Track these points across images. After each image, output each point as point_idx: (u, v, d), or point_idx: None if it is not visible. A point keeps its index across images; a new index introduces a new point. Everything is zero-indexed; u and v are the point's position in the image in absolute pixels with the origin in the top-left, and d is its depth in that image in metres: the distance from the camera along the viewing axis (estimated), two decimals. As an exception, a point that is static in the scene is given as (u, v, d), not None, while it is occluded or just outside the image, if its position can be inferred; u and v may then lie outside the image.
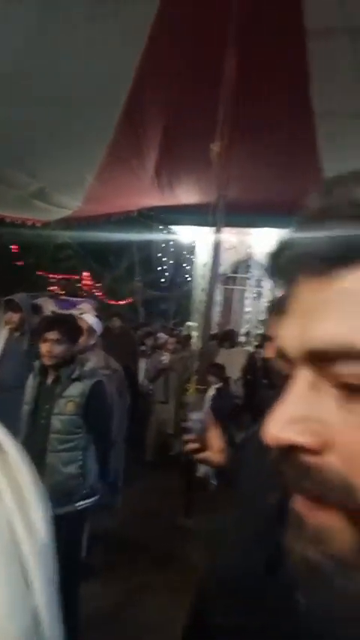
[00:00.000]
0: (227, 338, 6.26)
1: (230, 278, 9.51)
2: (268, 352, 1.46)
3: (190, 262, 10.06)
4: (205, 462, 1.54)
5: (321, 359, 0.28)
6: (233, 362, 5.61)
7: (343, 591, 0.26)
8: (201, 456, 1.54)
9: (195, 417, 1.56)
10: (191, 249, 9.97)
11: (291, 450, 0.28)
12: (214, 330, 6.81)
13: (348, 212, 0.28)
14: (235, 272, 9.50)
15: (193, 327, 8.90)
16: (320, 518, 0.28)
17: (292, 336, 0.30)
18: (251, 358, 5.91)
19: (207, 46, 3.79)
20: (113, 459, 3.04)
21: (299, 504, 0.29)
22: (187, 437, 1.55)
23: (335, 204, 0.28)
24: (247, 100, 3.95)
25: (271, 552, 1.22)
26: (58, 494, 2.41)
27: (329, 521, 0.27)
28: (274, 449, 0.29)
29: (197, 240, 9.40)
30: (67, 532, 2.41)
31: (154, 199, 6.13)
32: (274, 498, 1.23)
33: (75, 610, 2.48)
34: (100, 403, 2.62)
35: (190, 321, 9.68)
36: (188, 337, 7.58)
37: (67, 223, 6.28)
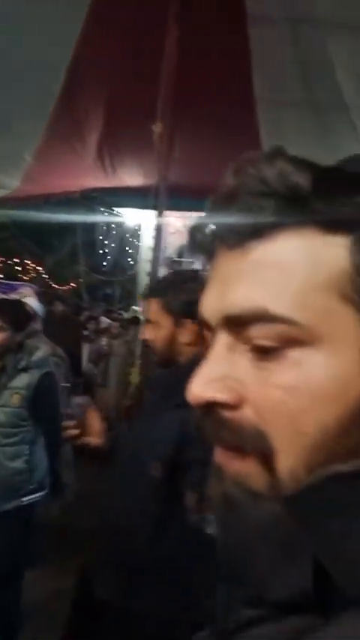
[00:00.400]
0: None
1: (176, 262, 9.53)
2: (148, 334, 1.46)
3: (135, 246, 9.98)
4: (84, 446, 1.55)
5: (236, 323, 0.31)
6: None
7: (257, 520, 0.29)
8: (80, 441, 1.55)
9: (76, 402, 1.59)
10: (136, 233, 9.89)
11: (211, 407, 0.31)
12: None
13: (257, 189, 0.30)
14: (180, 256, 9.52)
15: (138, 311, 8.88)
16: (238, 465, 0.31)
17: (211, 304, 0.33)
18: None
19: (147, 27, 3.74)
20: (64, 452, 2.97)
21: (219, 455, 0.32)
22: (66, 423, 1.56)
23: (246, 183, 0.31)
24: (188, 83, 3.94)
25: (155, 524, 1.27)
26: (3, 489, 2.34)
27: (246, 468, 0.30)
28: (197, 406, 0.32)
29: (142, 223, 9.32)
30: (13, 527, 2.37)
31: (96, 181, 6.02)
32: (158, 471, 1.27)
33: (17, 600, 2.47)
34: (49, 396, 2.49)
35: (135, 305, 9.64)
36: (133, 321, 7.55)
37: (5, 204, 6.05)
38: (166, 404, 1.38)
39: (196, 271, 1.56)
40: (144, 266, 9.29)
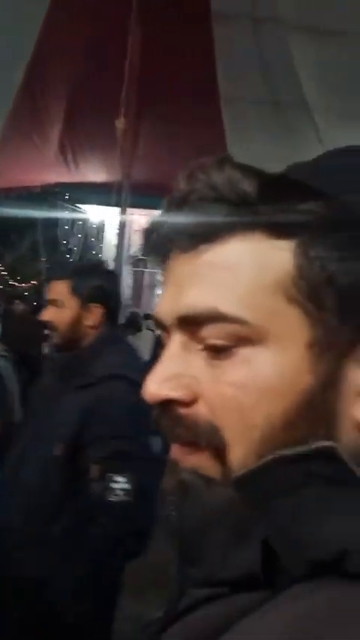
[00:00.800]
0: (131, 323, 6.23)
1: (141, 260, 9.47)
2: (49, 315, 1.48)
3: (99, 243, 9.86)
4: None
5: (190, 324, 0.32)
6: (141, 347, 5.62)
7: (210, 505, 0.31)
8: None
9: None
10: (100, 230, 9.77)
11: (167, 404, 0.33)
12: (125, 314, 6.76)
13: (207, 195, 0.32)
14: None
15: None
16: (193, 459, 0.33)
17: (165, 305, 0.34)
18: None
19: (110, 20, 3.68)
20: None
21: (175, 451, 0.34)
22: None
23: (197, 188, 0.32)
24: (153, 79, 3.91)
25: (58, 500, 1.35)
26: None
27: (200, 462, 0.32)
28: (154, 404, 0.33)
29: (106, 220, 9.22)
30: None
31: (58, 176, 5.90)
32: (61, 450, 1.33)
33: None
34: None
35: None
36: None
37: None
38: (67, 386, 1.42)
39: (102, 262, 1.68)
40: (108, 264, 9.19)
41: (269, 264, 0.31)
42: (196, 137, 4.54)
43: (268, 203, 0.31)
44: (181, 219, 0.33)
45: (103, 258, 9.17)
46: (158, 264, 0.36)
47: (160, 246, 0.35)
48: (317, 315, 0.31)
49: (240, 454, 0.31)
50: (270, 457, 0.29)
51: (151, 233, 0.36)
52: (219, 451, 0.31)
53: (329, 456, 0.28)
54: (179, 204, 0.33)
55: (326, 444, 0.28)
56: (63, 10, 3.68)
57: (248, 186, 0.31)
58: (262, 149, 4.00)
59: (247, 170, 0.32)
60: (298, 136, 4.25)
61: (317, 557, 0.27)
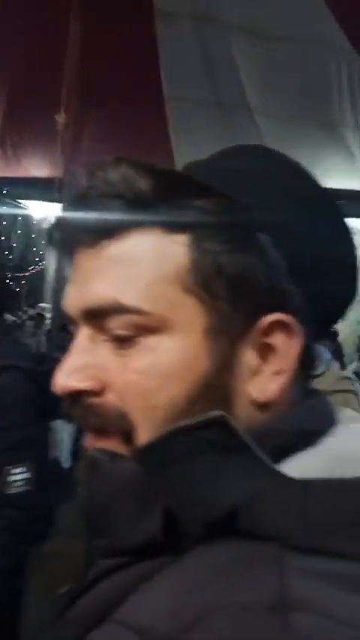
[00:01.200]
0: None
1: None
2: None
3: (41, 240, 9.63)
4: None
5: (94, 316, 0.34)
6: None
7: (117, 478, 0.33)
8: None
9: None
10: (43, 226, 9.53)
11: (77, 395, 0.34)
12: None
13: (106, 192, 0.33)
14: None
15: (47, 308, 8.57)
16: (104, 445, 0.34)
17: (72, 299, 0.35)
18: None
19: (51, 15, 3.60)
20: None
21: (88, 439, 0.35)
22: None
23: (96, 186, 0.34)
24: (95, 74, 3.85)
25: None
26: None
27: (112, 447, 0.34)
28: (65, 396, 0.35)
29: (50, 216, 9.01)
30: None
31: (-2, 170, 5.71)
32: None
33: None
34: None
35: (43, 302, 9.29)
36: (40, 319, 7.29)
37: None
38: None
39: None
40: (52, 261, 8.98)
41: (167, 258, 0.33)
42: (140, 136, 4.53)
43: (162, 200, 0.33)
44: (82, 216, 0.34)
45: (45, 254, 8.95)
46: (66, 260, 0.37)
47: (66, 242, 0.36)
48: (212, 303, 0.33)
49: (147, 434, 0.33)
50: (167, 429, 0.31)
51: (55, 230, 0.37)
52: (128, 435, 0.33)
53: (223, 426, 0.30)
54: (80, 201, 0.35)
55: (216, 413, 0.30)
56: (1, 4, 3.56)
57: (143, 184, 0.33)
58: (207, 149, 4.03)
59: (143, 169, 0.33)
60: (243, 137, 4.32)
61: (211, 515, 0.29)
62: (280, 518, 0.28)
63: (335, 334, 5.39)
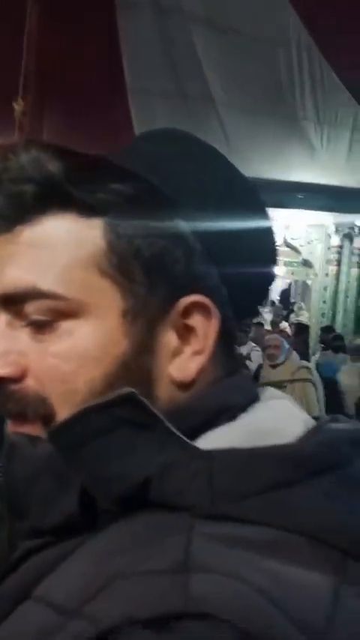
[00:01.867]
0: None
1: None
2: None
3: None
4: None
5: (12, 302, 0.34)
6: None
7: (35, 460, 0.34)
8: None
9: None
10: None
11: None
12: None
13: (17, 176, 0.33)
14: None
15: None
16: (25, 430, 0.35)
17: None
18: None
19: (9, 1, 3.50)
20: None
21: (10, 426, 0.36)
22: None
23: (7, 168, 0.33)
24: (55, 61, 3.77)
25: None
26: None
27: (33, 432, 0.35)
28: None
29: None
30: None
31: None
32: None
33: None
34: None
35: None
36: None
37: None
38: None
39: None
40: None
41: (82, 241, 0.33)
42: (101, 125, 4.47)
43: (75, 184, 0.32)
44: None
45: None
46: None
47: None
48: (128, 286, 0.33)
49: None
50: (79, 409, 0.32)
51: None
52: (49, 419, 0.33)
53: (134, 403, 0.31)
54: None
55: (126, 390, 0.31)
56: None
57: (53, 166, 0.32)
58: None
59: (56, 151, 0.33)
60: (204, 127, 4.32)
61: (123, 488, 0.30)
62: (188, 488, 0.29)
63: (306, 327, 5.52)
